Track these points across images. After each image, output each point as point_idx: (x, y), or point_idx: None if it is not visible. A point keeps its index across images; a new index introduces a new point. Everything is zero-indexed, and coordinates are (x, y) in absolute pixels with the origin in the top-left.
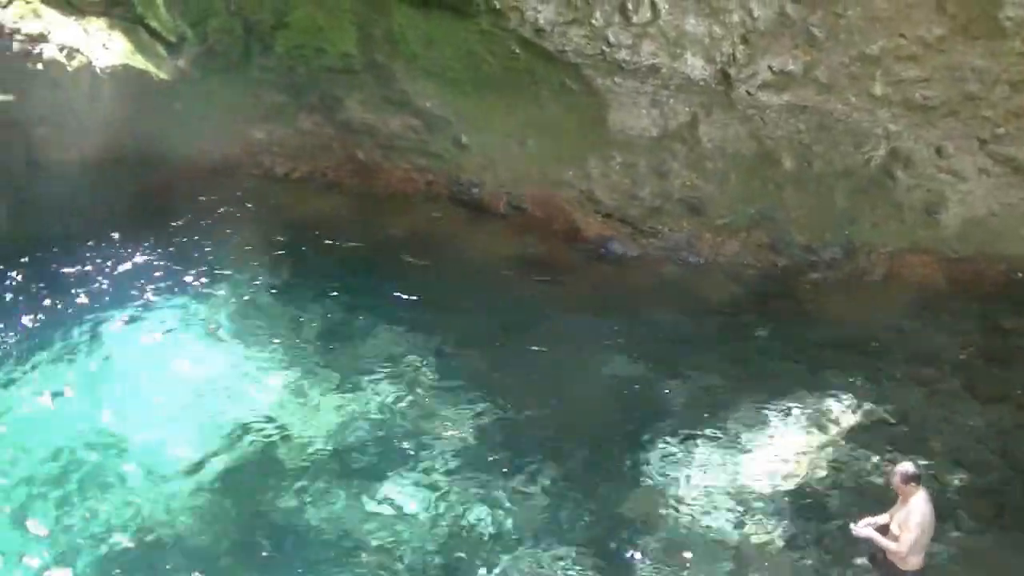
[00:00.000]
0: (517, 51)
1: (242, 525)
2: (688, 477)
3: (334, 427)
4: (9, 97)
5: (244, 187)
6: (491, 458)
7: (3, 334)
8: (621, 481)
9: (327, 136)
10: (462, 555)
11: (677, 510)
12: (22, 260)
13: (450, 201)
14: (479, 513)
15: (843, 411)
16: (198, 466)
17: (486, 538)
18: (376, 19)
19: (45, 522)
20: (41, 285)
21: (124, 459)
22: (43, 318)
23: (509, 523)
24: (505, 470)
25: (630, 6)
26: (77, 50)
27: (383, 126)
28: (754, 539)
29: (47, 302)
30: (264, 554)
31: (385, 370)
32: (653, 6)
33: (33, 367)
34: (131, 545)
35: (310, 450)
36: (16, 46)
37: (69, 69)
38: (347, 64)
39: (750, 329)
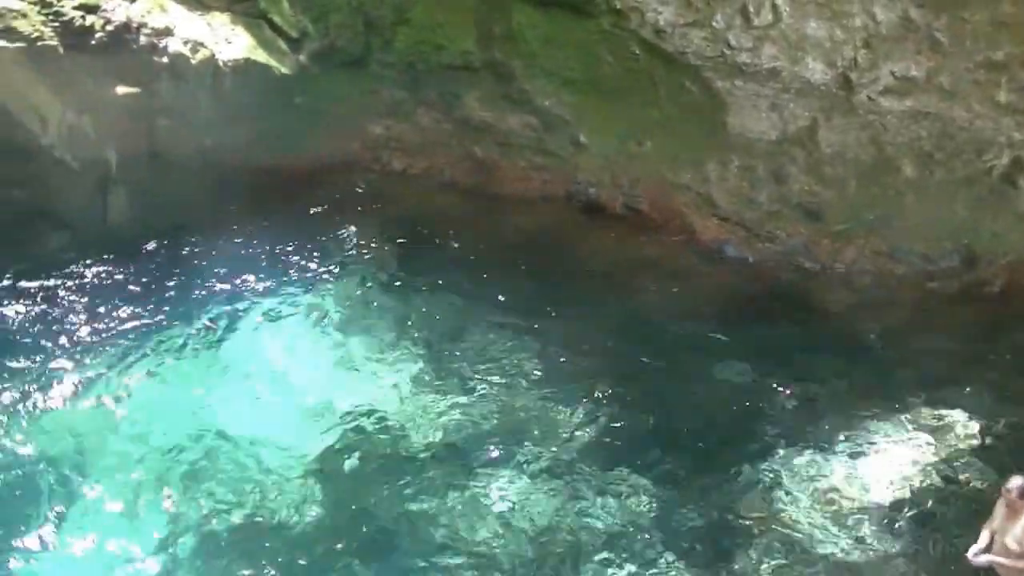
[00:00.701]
0: (637, 52)
1: (347, 517)
2: (798, 485)
3: (442, 424)
4: (135, 89)
5: (362, 182)
6: (600, 459)
7: (124, 322)
8: (730, 487)
9: (445, 133)
10: (566, 555)
11: (786, 518)
12: (142, 250)
13: (566, 200)
14: (585, 513)
15: (957, 423)
16: (308, 457)
17: (591, 538)
18: (496, 17)
19: (157, 503)
20: (159, 275)
21: (237, 446)
22: (162, 307)
23: (616, 525)
24: (614, 471)
25: (751, 8)
26: (201, 44)
27: (501, 124)
28: (862, 551)
29: (166, 292)
30: (365, 545)
31: (495, 369)
32: (774, 9)
33: (152, 354)
34: (238, 530)
35: (418, 446)
36: (143, 40)
37: (193, 63)
38: (466, 61)
39: (865, 337)
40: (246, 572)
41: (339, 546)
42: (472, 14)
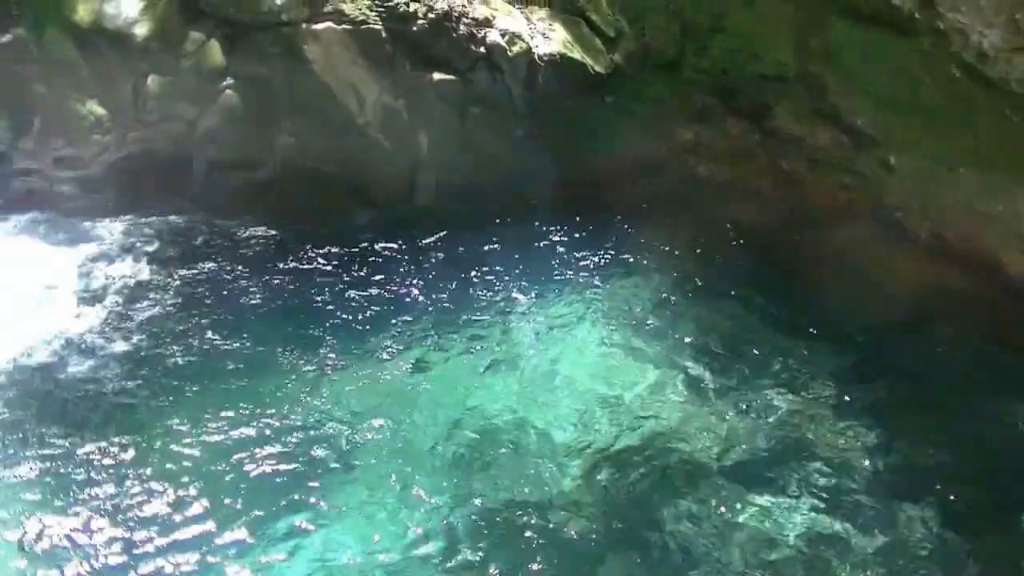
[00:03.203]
0: (956, 75)
1: (608, 517)
2: None
3: (717, 436)
4: (451, 77)
5: (666, 186)
6: (878, 491)
7: (414, 301)
8: (1018, 538)
9: (753, 143)
10: None
11: None
12: (443, 234)
13: (870, 222)
14: (859, 546)
15: None
16: (578, 454)
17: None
18: (814, 30)
19: (424, 478)
20: (456, 259)
21: (508, 435)
22: (453, 290)
23: (889, 564)
24: (892, 505)
25: None
26: (519, 37)
27: (811, 138)
28: None
29: (460, 275)
30: (622, 548)
31: (777, 387)
32: None
33: (435, 335)
34: (498, 517)
35: (689, 455)
36: (462, 29)
37: (510, 54)
38: (780, 72)
39: None
40: (503, 558)
41: (595, 544)
42: (790, 26)
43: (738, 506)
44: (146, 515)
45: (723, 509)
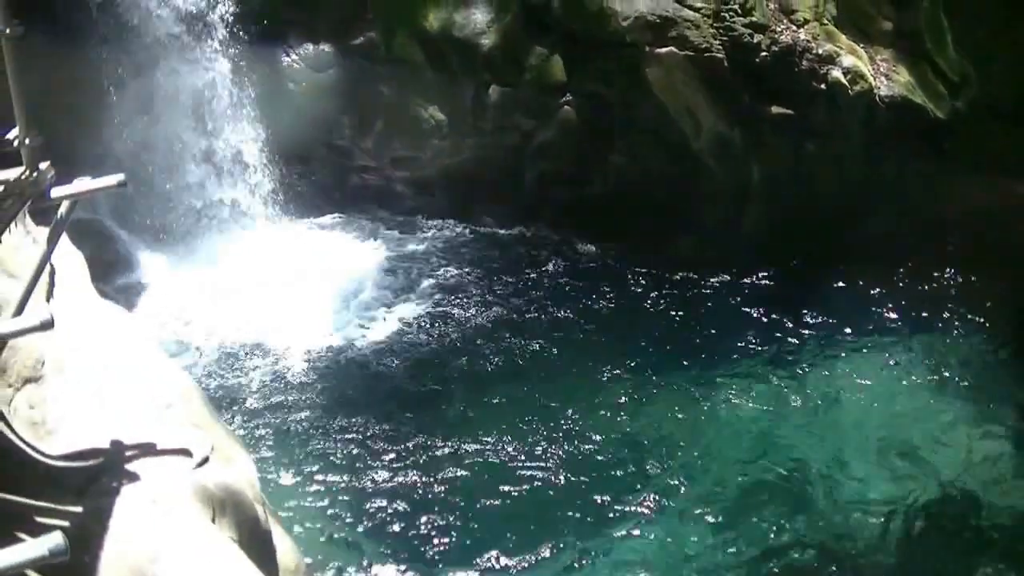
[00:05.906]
0: None
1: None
2: None
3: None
4: (788, 111)
5: (1000, 240)
6: None
7: (731, 336)
8: None
9: None
10: None
11: None
12: (766, 268)
13: None
14: None
15: None
16: (876, 503)
17: None
18: None
19: (718, 515)
20: (775, 294)
21: (805, 475)
22: (767, 328)
23: None
24: None
25: None
26: (862, 76)
27: None
28: None
29: (777, 314)
30: None
31: None
32: None
33: (746, 371)
34: (789, 556)
35: (991, 521)
36: (804, 64)
37: (850, 93)
38: None
39: None
40: None
41: None
42: None
43: None
44: (432, 513)
45: None
